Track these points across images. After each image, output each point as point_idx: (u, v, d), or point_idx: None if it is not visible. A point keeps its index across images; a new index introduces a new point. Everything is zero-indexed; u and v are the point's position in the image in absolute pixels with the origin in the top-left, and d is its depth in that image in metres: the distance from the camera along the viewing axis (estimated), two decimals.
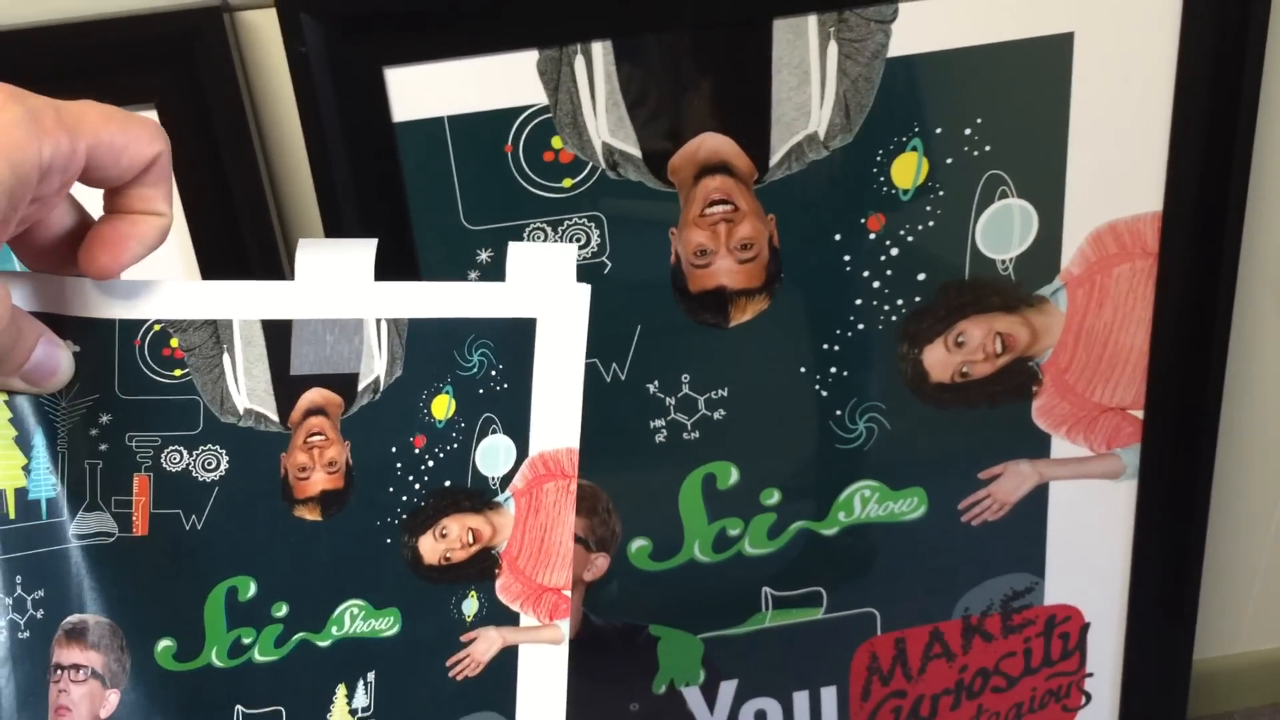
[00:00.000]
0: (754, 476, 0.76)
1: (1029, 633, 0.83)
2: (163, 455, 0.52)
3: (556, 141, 0.66)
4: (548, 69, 0.64)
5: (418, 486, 0.56)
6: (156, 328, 0.49)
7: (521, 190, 0.66)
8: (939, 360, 0.74)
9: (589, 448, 0.73)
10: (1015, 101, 0.68)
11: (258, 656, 0.56)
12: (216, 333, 0.51)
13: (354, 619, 0.57)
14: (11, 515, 0.49)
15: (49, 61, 0.61)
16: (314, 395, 0.53)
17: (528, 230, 0.68)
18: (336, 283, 0.52)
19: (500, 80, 0.64)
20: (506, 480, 0.57)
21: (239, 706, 0.56)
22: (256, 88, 0.65)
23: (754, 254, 0.70)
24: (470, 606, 0.59)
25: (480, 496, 0.57)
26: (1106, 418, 0.77)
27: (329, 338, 0.52)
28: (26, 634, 0.51)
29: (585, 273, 0.69)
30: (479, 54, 0.63)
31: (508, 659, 0.60)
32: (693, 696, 0.83)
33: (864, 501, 0.78)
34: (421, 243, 0.67)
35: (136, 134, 0.41)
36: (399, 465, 0.55)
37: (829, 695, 0.84)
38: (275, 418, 0.53)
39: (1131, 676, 0.86)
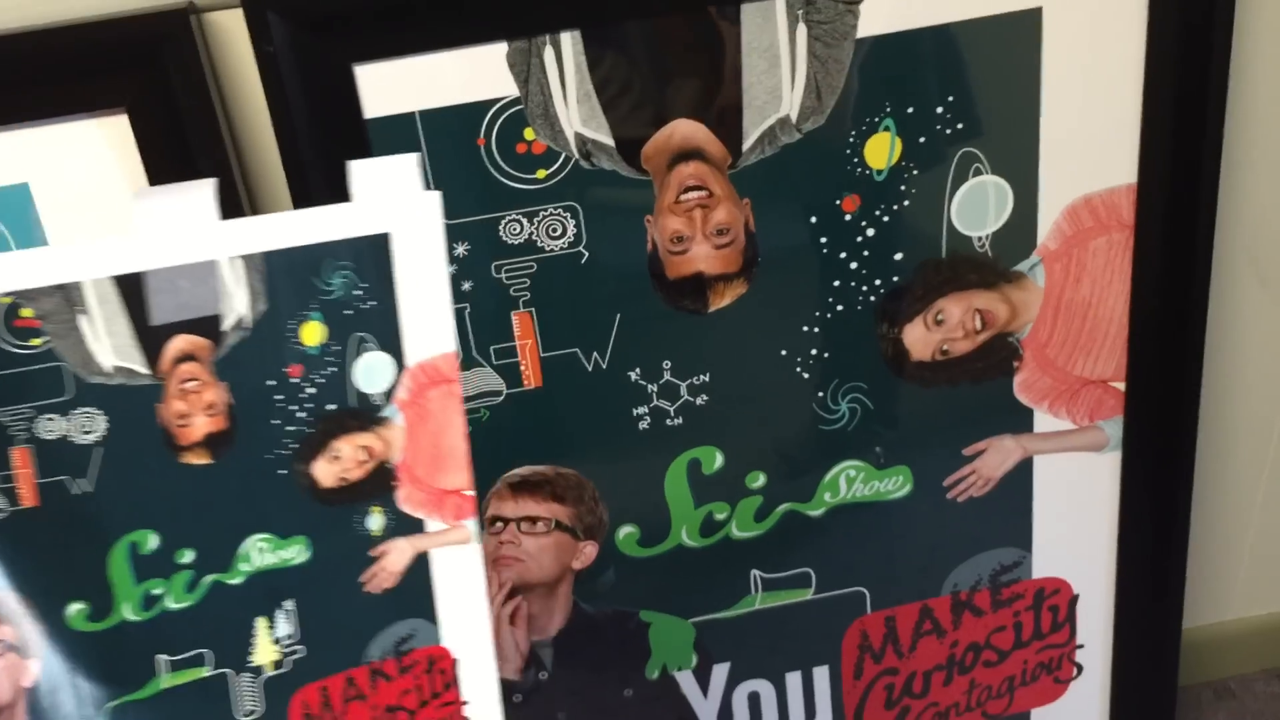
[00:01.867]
0: (739, 460, 0.77)
1: (1018, 606, 0.84)
2: (37, 425, 0.52)
3: (529, 133, 0.66)
4: (517, 61, 0.64)
5: (301, 415, 0.56)
6: (6, 300, 0.49)
7: (495, 182, 0.67)
8: (919, 339, 0.74)
9: (573, 437, 0.74)
10: (986, 78, 0.68)
11: (171, 604, 0.57)
12: (68, 296, 0.51)
13: (261, 552, 0.58)
14: None
15: (16, 69, 0.61)
16: (180, 342, 0.53)
17: (504, 222, 0.68)
18: (181, 228, 0.52)
19: (470, 73, 0.64)
20: (389, 394, 0.58)
21: (161, 655, 0.57)
22: (227, 89, 0.65)
23: (730, 239, 0.70)
24: (376, 522, 0.59)
25: (366, 414, 0.58)
26: (1088, 391, 0.77)
27: (183, 283, 0.52)
28: None
29: (562, 263, 0.69)
30: (448, 48, 0.63)
31: (422, 567, 0.61)
32: (686, 681, 0.83)
33: (849, 481, 0.78)
34: None
35: None
36: (279, 397, 0.56)
37: (821, 675, 0.84)
38: (145, 370, 0.53)
39: (1122, 647, 0.87)
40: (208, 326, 0.53)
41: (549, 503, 0.76)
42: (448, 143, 0.65)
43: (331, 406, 0.57)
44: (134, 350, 0.52)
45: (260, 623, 0.59)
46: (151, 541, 0.56)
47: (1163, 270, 0.74)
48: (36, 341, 0.51)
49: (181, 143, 0.62)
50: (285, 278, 0.54)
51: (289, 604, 0.59)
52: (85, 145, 0.62)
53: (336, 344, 0.56)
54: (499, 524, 0.76)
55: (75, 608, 0.55)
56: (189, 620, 0.57)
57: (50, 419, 0.52)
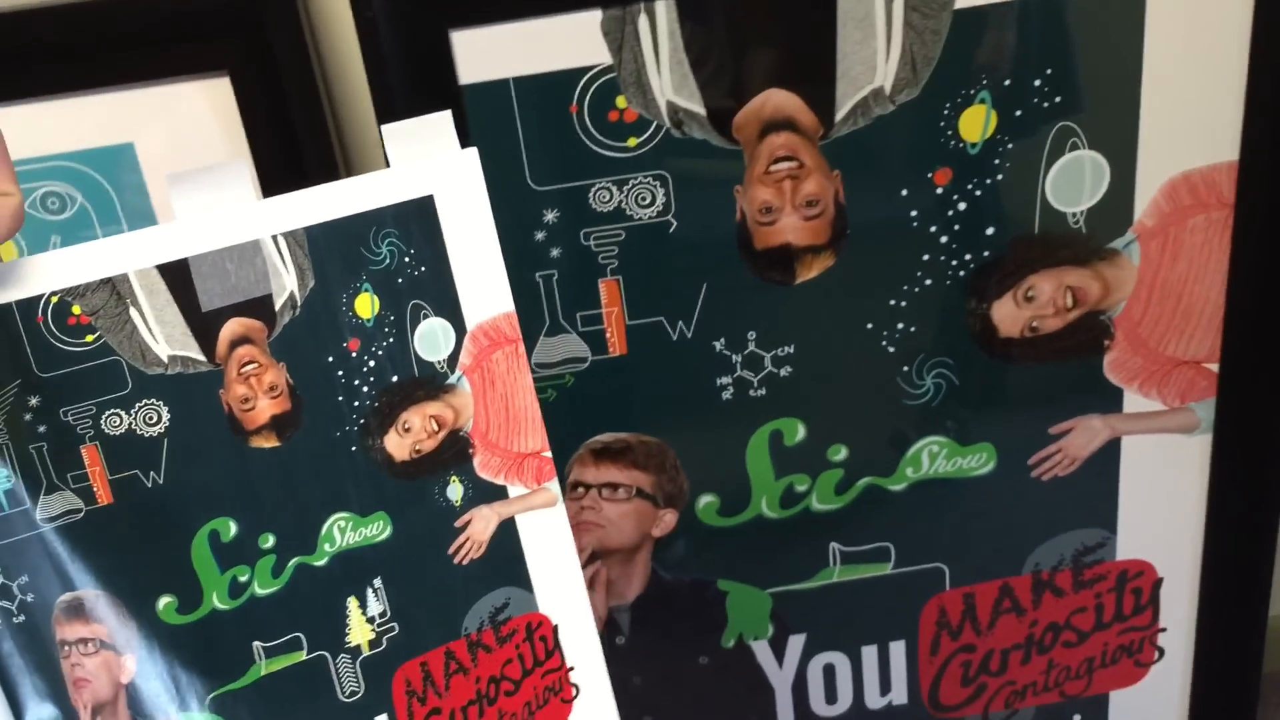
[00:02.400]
0: (821, 433, 0.76)
1: (1100, 588, 0.83)
2: (102, 421, 0.51)
3: (621, 101, 0.66)
4: (611, 28, 0.64)
5: (365, 389, 0.56)
6: (54, 300, 0.49)
7: (587, 150, 0.67)
8: (1008, 315, 0.73)
9: (656, 405, 0.75)
10: (1086, 50, 0.67)
11: (259, 590, 0.56)
12: (116, 289, 0.50)
13: (343, 532, 0.57)
14: None
15: (122, 32, 0.62)
16: (234, 326, 0.52)
17: (593, 189, 0.68)
18: (219, 210, 0.51)
19: (565, 41, 0.64)
20: (453, 360, 0.56)
21: (256, 642, 0.57)
22: (326, 54, 0.66)
23: (819, 210, 0.69)
24: (455, 492, 0.58)
25: (432, 383, 0.57)
26: (1180, 371, 0.76)
27: (229, 266, 0.51)
28: (21, 618, 0.52)
29: (651, 232, 0.69)
30: (544, 15, 0.64)
31: (509, 533, 0.60)
32: (761, 650, 0.84)
33: (932, 457, 0.78)
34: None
35: None
36: (340, 373, 0.55)
37: (898, 649, 0.84)
38: (201, 358, 0.52)
39: (1205, 632, 0.86)
40: (260, 308, 0.52)
41: (630, 470, 0.76)
42: (541, 110, 0.66)
43: (395, 378, 0.56)
44: (189, 338, 0.52)
45: (351, 603, 0.58)
46: (231, 528, 0.55)
47: (1261, 250, 0.72)
48: (90, 338, 0.51)
49: (281, 106, 0.63)
50: (331, 251, 0.53)
51: (377, 582, 0.59)
52: (188, 107, 0.63)
53: (392, 314, 0.55)
54: (580, 489, 0.76)
55: (164, 601, 0.55)
56: (279, 605, 0.57)
57: (114, 414, 0.52)
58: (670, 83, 0.66)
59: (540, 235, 0.69)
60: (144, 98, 0.63)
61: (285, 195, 0.51)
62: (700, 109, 0.66)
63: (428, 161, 0.53)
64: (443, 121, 0.53)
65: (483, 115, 0.65)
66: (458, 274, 0.55)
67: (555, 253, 0.69)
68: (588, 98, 0.66)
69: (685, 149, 0.67)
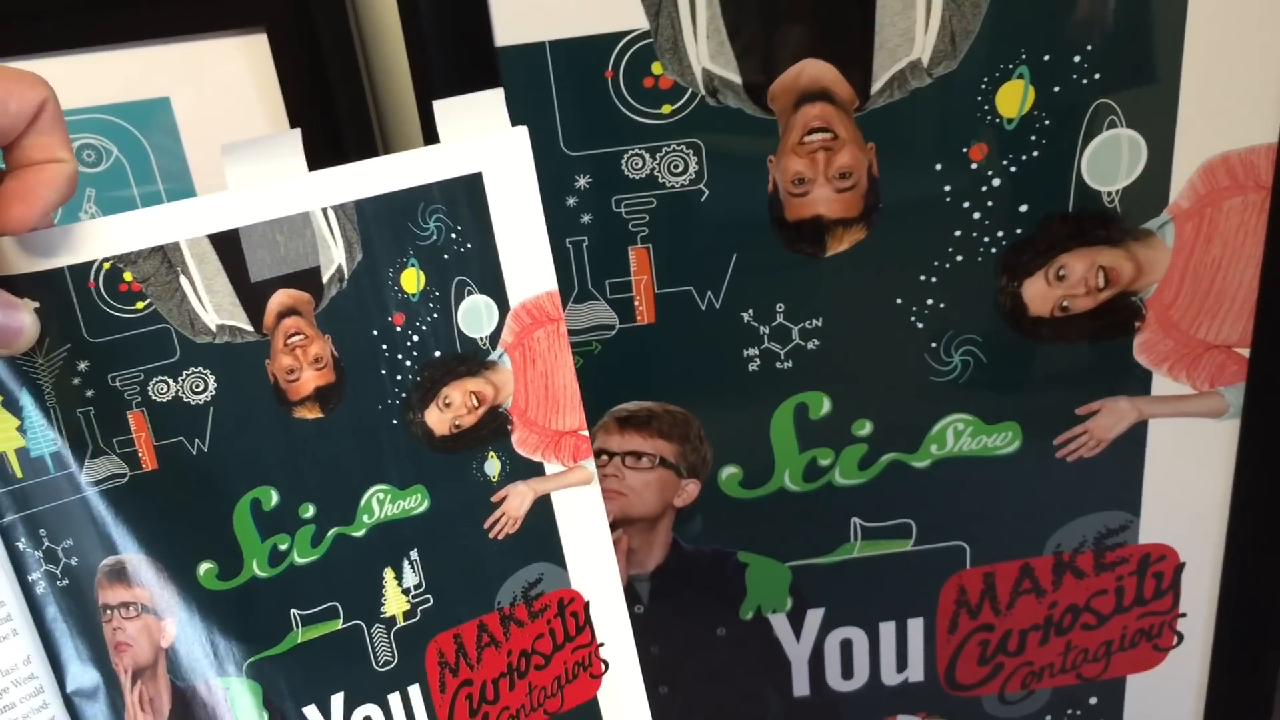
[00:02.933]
0: (846, 407, 0.76)
1: (1121, 571, 0.83)
2: (149, 388, 0.52)
3: (656, 67, 0.66)
4: None
5: (409, 363, 0.56)
6: (106, 266, 0.49)
7: (621, 116, 0.67)
8: (1039, 294, 0.73)
9: (682, 375, 0.75)
10: (1128, 28, 0.66)
11: (298, 559, 0.57)
12: (167, 257, 0.50)
13: (382, 504, 0.58)
14: (19, 475, 0.50)
15: None
16: (281, 297, 0.53)
17: (626, 156, 0.68)
18: (271, 181, 0.51)
19: (601, 4, 0.64)
20: (495, 337, 0.57)
21: (293, 610, 0.57)
22: (364, 13, 0.66)
23: (852, 183, 0.69)
24: (493, 467, 0.59)
25: (473, 359, 0.57)
26: (1210, 355, 0.76)
27: (279, 237, 0.52)
28: (65, 581, 0.52)
29: (683, 200, 0.69)
30: None
31: (544, 510, 0.61)
32: (779, 623, 0.84)
33: (957, 435, 0.78)
34: None
35: (15, 82, 0.41)
36: (384, 346, 0.55)
37: (915, 626, 0.84)
38: (249, 328, 0.53)
39: (1226, 619, 0.85)
40: (307, 280, 0.53)
41: (654, 439, 0.76)
42: (576, 74, 0.66)
43: (438, 353, 0.56)
44: (237, 308, 0.52)
45: (388, 574, 0.59)
46: (273, 497, 0.56)
47: None
48: (140, 305, 0.51)
49: (318, 63, 0.63)
50: (379, 225, 0.53)
51: (414, 554, 0.59)
52: (225, 62, 0.64)
53: (437, 289, 0.55)
54: (604, 457, 0.77)
55: (205, 567, 0.55)
56: (317, 574, 0.57)
57: (161, 381, 0.52)
58: (707, 50, 0.65)
59: (572, 201, 0.69)
60: (181, 52, 0.63)
61: (335, 168, 0.51)
62: (736, 77, 0.66)
63: (477, 139, 0.54)
64: (494, 99, 0.53)
65: (518, 78, 0.65)
66: (503, 252, 0.56)
67: (586, 219, 0.69)
68: (623, 63, 0.65)
69: (719, 118, 0.67)
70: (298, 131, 0.51)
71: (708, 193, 0.69)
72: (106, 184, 0.65)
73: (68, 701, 0.53)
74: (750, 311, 0.73)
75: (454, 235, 0.54)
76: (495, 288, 0.56)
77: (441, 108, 0.52)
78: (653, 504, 0.78)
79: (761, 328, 0.73)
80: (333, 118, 0.65)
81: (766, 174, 0.69)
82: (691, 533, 0.80)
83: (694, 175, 0.69)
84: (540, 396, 0.58)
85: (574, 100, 0.66)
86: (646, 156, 0.68)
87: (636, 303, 0.72)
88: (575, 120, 0.67)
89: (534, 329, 0.57)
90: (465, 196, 0.54)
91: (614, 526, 0.78)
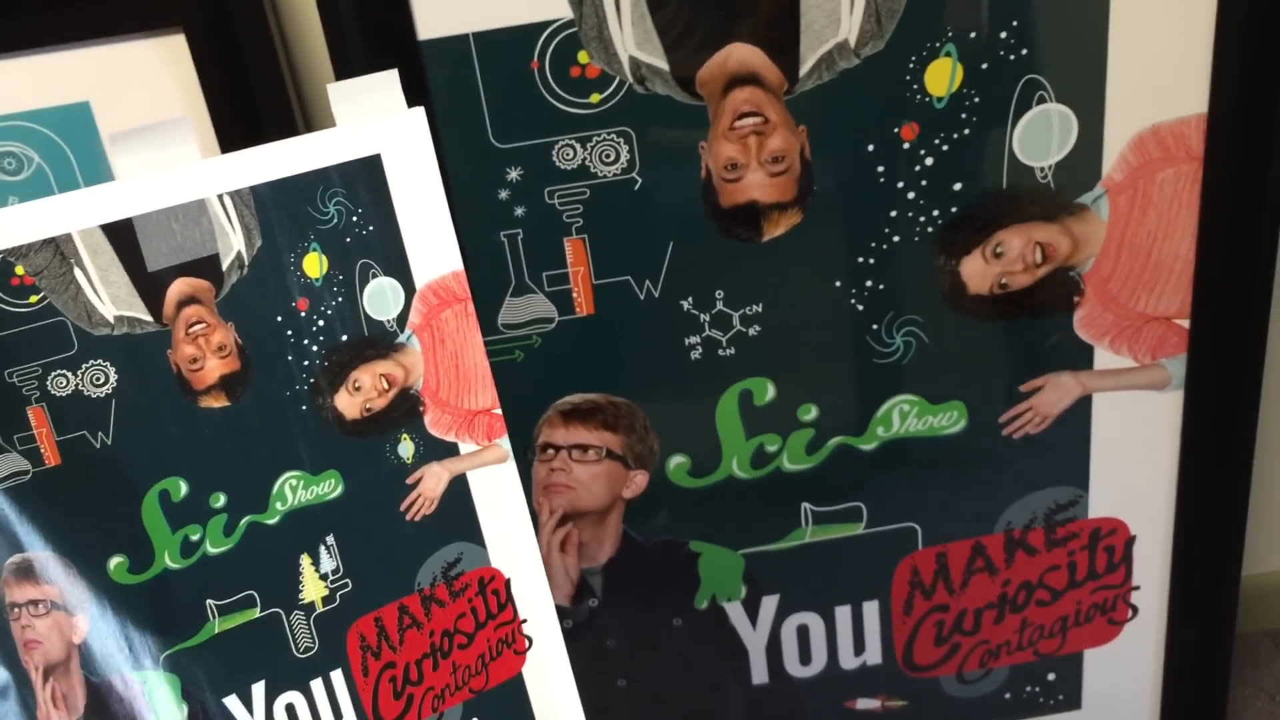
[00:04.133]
0: (791, 392, 0.76)
1: (1073, 546, 0.83)
2: (48, 382, 0.51)
3: (583, 56, 0.65)
4: None
5: (315, 348, 0.56)
6: None
7: (549, 107, 0.66)
8: (977, 271, 0.73)
9: (625, 366, 0.74)
10: (1052, 2, 0.66)
11: (211, 549, 0.57)
12: (59, 250, 0.50)
13: (295, 490, 0.58)
14: None
15: None
16: (181, 286, 0.52)
17: (556, 147, 0.67)
18: (162, 169, 0.51)
19: None
20: (402, 319, 0.57)
21: (209, 600, 0.57)
22: (283, 9, 0.65)
23: (785, 167, 0.69)
24: (406, 449, 0.59)
25: (381, 341, 0.57)
26: (1151, 327, 0.76)
27: (175, 226, 0.51)
28: None
29: (616, 189, 0.68)
30: None
31: (461, 489, 0.61)
32: (735, 611, 0.84)
33: (903, 416, 0.78)
34: (451, 163, 0.67)
35: None
36: (289, 332, 0.55)
37: (871, 609, 0.84)
38: (148, 318, 0.52)
39: (1179, 591, 0.86)
40: (207, 267, 0.53)
41: (600, 431, 0.76)
42: (501, 66, 0.65)
43: (344, 337, 0.56)
44: (135, 298, 0.52)
45: (304, 560, 0.59)
46: (181, 488, 0.55)
47: (1232, 204, 0.72)
48: (34, 299, 0.50)
49: (238, 63, 0.63)
50: (278, 210, 0.53)
51: (330, 539, 0.59)
52: (143, 64, 0.63)
53: (341, 273, 0.55)
54: (550, 451, 0.76)
55: (116, 561, 0.55)
56: (231, 564, 0.57)
57: (60, 375, 0.51)
58: (632, 38, 0.65)
59: (504, 194, 0.68)
60: (99, 55, 0.62)
61: (230, 154, 0.51)
62: (663, 64, 0.66)
63: (375, 120, 0.53)
64: (389, 80, 0.53)
65: (442, 71, 0.65)
66: (406, 233, 0.55)
67: (520, 211, 0.69)
68: (549, 53, 0.65)
69: (649, 105, 0.67)
70: (188, 118, 0.51)
71: (641, 181, 0.69)
72: (29, 192, 0.64)
73: None
74: (690, 299, 0.73)
75: (355, 218, 0.54)
76: (400, 269, 0.56)
77: (336, 90, 0.52)
78: (602, 496, 0.78)
79: (702, 315, 0.73)
80: (255, 118, 0.64)
81: (699, 161, 0.69)
82: (642, 524, 0.80)
83: (626, 164, 0.68)
84: (451, 376, 0.58)
85: (501, 92, 0.66)
86: (577, 147, 0.68)
87: (575, 294, 0.71)
88: (503, 112, 0.66)
89: (441, 309, 0.57)
90: (365, 178, 0.54)
91: (564, 520, 0.78)
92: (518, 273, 0.70)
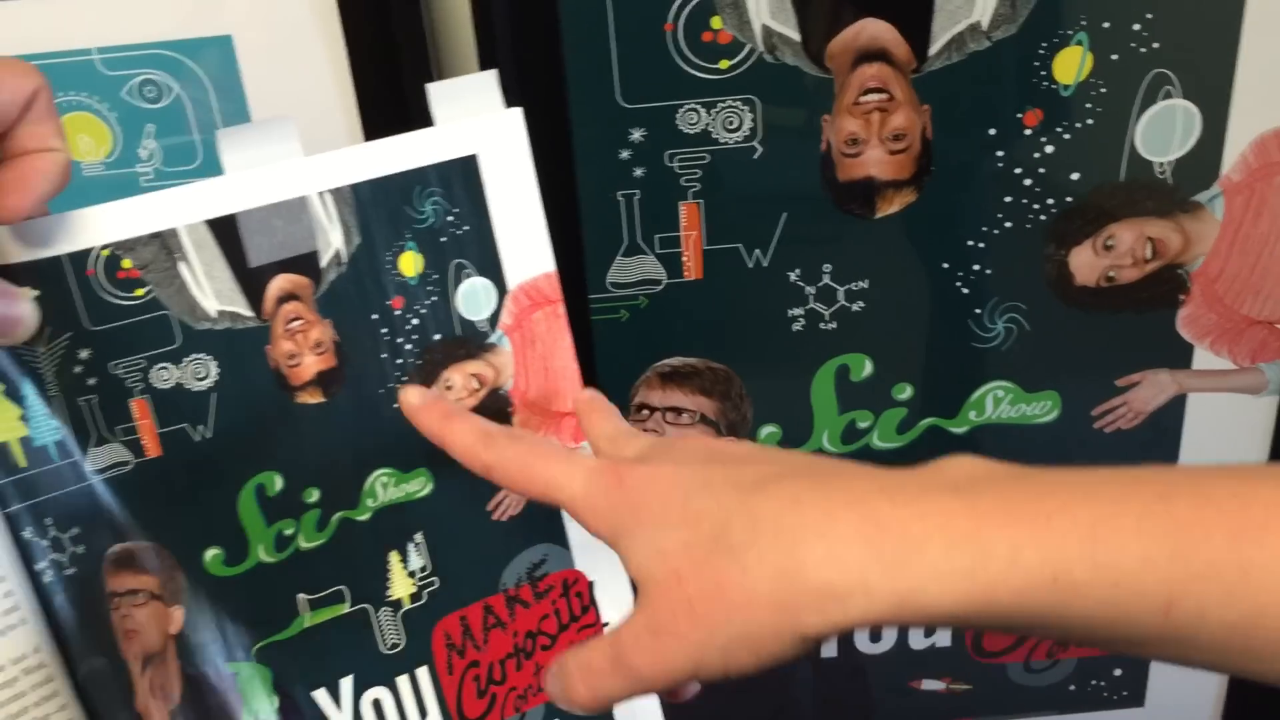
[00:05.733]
0: (888, 370, 0.77)
1: None
2: (151, 375, 0.52)
3: (716, 22, 0.66)
4: None
5: (409, 347, 0.56)
6: (105, 253, 0.49)
7: (679, 70, 0.67)
8: (1086, 263, 0.73)
9: (727, 332, 0.75)
10: None
11: (303, 544, 0.57)
12: (165, 244, 0.50)
13: (385, 488, 0.58)
14: (22, 464, 0.50)
15: None
16: (281, 282, 0.53)
17: (681, 110, 0.68)
18: (267, 166, 0.51)
19: None
20: (494, 320, 0.57)
21: (301, 594, 0.58)
22: None
23: (906, 145, 0.69)
24: None
25: (473, 341, 0.57)
26: (1254, 331, 0.76)
27: (277, 222, 0.52)
28: (72, 570, 0.52)
29: (736, 157, 0.69)
30: None
31: None
32: None
33: (996, 402, 0.78)
34: (577, 119, 0.68)
35: (8, 71, 0.42)
36: (384, 330, 0.56)
37: None
38: (249, 313, 0.53)
39: None
40: (306, 264, 0.53)
41: (696, 395, 0.77)
42: (636, 25, 0.66)
43: (437, 336, 0.57)
44: (236, 293, 0.52)
45: (393, 557, 0.59)
46: (277, 483, 0.56)
47: None
48: (140, 292, 0.51)
49: (381, 5, 0.63)
50: (376, 209, 0.53)
51: (418, 537, 0.60)
52: (290, 6, 0.64)
53: (435, 273, 0.55)
54: (645, 412, 0.77)
55: (212, 553, 0.56)
56: (323, 558, 0.58)
57: (163, 368, 0.52)
58: (767, 6, 0.65)
59: (625, 154, 0.69)
60: None
61: (330, 153, 0.52)
62: (795, 34, 0.66)
63: (472, 121, 0.54)
64: (487, 80, 0.54)
65: (578, 28, 0.65)
66: (499, 234, 0.56)
67: (639, 172, 0.69)
68: (684, 16, 0.65)
69: (776, 75, 0.67)
70: (292, 117, 0.52)
71: (761, 150, 0.69)
72: (167, 120, 0.65)
73: (78, 689, 0.53)
74: (797, 271, 0.73)
75: (450, 218, 0.55)
76: (493, 270, 0.56)
77: (435, 90, 0.53)
78: None
79: (808, 288, 0.74)
80: (396, 66, 0.65)
81: (820, 133, 0.69)
82: None
83: (748, 132, 0.69)
84: (540, 378, 0.58)
85: (633, 52, 0.66)
86: (702, 111, 0.68)
87: (685, 258, 0.72)
88: (633, 72, 0.67)
89: (532, 311, 0.58)
90: (461, 179, 0.54)
91: None
92: (630, 233, 0.71)
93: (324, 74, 0.65)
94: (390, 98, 0.66)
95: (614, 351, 0.74)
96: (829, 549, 0.37)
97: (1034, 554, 0.36)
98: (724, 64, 0.67)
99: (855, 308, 0.74)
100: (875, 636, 0.86)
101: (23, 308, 0.47)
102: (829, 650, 0.87)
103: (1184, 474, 0.38)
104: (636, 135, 0.68)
